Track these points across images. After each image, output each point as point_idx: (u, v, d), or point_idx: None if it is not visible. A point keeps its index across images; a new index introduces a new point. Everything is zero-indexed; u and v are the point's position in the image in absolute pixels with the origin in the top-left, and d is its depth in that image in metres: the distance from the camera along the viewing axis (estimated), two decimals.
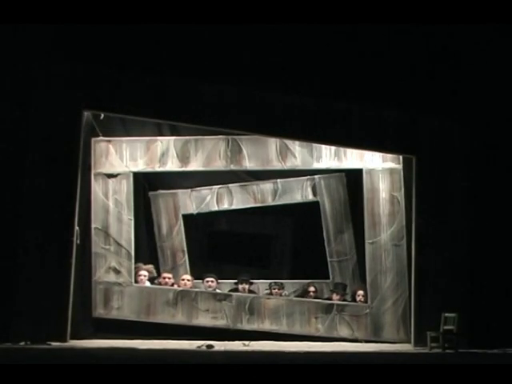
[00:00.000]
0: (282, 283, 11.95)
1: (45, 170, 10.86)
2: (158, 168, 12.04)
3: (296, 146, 11.95)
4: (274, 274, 12.50)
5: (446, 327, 10.69)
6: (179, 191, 12.35)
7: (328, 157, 11.97)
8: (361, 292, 11.78)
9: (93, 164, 11.83)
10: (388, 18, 9.91)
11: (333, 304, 11.70)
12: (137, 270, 11.96)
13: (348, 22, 10.02)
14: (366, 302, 11.76)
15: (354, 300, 11.83)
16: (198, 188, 12.34)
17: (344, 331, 11.69)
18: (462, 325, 10.66)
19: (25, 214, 10.74)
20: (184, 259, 12.24)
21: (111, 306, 11.81)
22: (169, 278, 11.86)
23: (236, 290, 11.88)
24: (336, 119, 11.22)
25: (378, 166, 11.91)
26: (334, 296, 11.84)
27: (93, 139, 11.81)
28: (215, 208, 12.32)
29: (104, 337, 11.49)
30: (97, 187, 11.88)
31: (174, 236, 12.25)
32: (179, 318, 11.74)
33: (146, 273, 11.97)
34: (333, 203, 12.23)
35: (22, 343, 10.37)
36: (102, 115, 11.58)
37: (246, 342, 11.03)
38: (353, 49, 10.75)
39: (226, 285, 12.10)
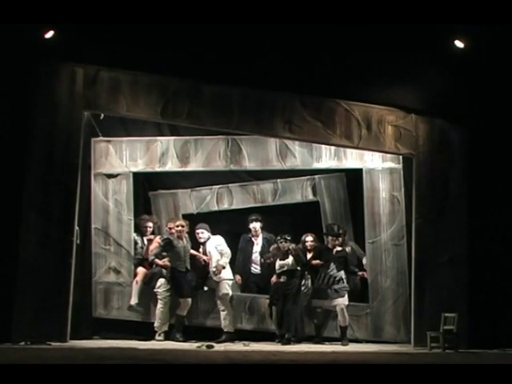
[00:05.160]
0: (289, 236, 11.52)
1: (45, 170, 10.88)
2: (157, 168, 12.04)
3: (296, 146, 11.94)
4: None
5: (445, 327, 10.68)
6: (179, 191, 12.35)
7: (328, 157, 11.96)
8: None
9: (93, 164, 11.84)
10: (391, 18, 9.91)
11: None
12: (143, 221, 11.93)
13: (350, 21, 10.01)
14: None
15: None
16: (198, 188, 12.33)
17: None
18: (461, 325, 10.66)
19: (25, 214, 10.75)
20: None
21: (111, 306, 11.82)
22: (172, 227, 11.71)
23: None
24: (336, 119, 11.21)
25: (377, 166, 11.90)
26: (330, 240, 11.70)
27: (93, 139, 11.81)
28: (215, 208, 12.31)
29: (104, 337, 11.52)
30: (97, 187, 11.88)
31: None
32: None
33: (151, 224, 11.97)
34: (333, 203, 12.22)
35: (22, 343, 10.38)
36: (102, 115, 11.59)
37: (246, 342, 11.03)
38: (353, 48, 10.73)
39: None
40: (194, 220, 12.02)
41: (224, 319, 11.53)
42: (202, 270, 11.87)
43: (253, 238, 12.11)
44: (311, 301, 11.60)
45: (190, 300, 11.60)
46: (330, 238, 11.72)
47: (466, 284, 10.92)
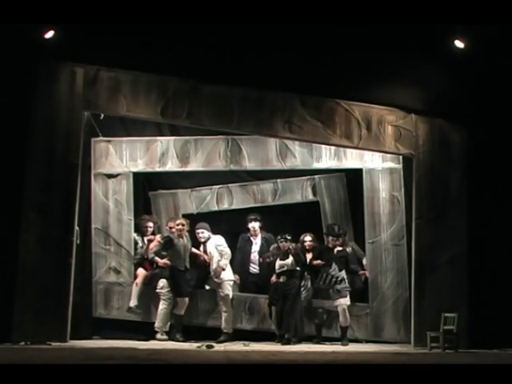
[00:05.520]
0: (289, 235, 11.50)
1: (45, 170, 10.87)
2: (158, 168, 12.04)
3: (296, 146, 11.94)
4: None
5: (445, 327, 10.68)
6: (179, 191, 12.34)
7: (328, 157, 11.96)
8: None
9: (93, 164, 11.84)
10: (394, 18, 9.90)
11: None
12: (143, 221, 11.92)
13: (350, 21, 10.01)
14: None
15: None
16: (198, 188, 12.33)
17: None
18: (461, 325, 10.66)
19: (25, 214, 10.75)
20: None
21: (111, 305, 11.82)
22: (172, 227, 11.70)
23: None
24: (336, 119, 11.21)
25: (377, 166, 11.90)
26: (331, 241, 11.69)
27: (93, 139, 11.81)
28: (215, 208, 12.30)
29: (104, 337, 11.52)
30: (97, 187, 11.88)
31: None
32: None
33: (151, 224, 11.95)
34: (333, 203, 12.21)
35: (22, 343, 10.38)
36: (102, 115, 11.59)
37: (246, 342, 11.03)
38: (352, 48, 10.74)
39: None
40: (194, 220, 12.00)
41: (225, 320, 11.53)
42: (203, 268, 11.86)
43: (251, 238, 12.11)
44: (311, 301, 11.59)
45: (187, 299, 11.59)
46: (330, 238, 11.71)
47: (466, 284, 10.92)
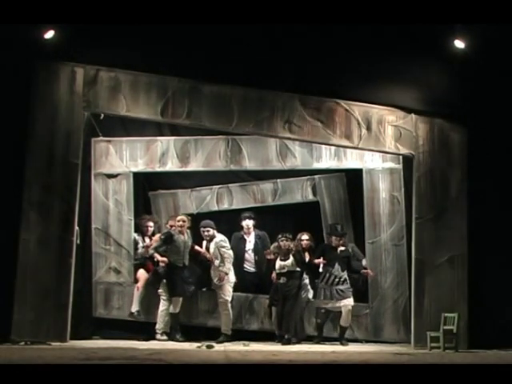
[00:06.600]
0: (290, 234, 11.52)
1: (45, 170, 10.87)
2: (158, 168, 12.04)
3: (296, 146, 11.95)
4: None
5: (445, 327, 10.68)
6: (179, 191, 12.35)
7: (328, 157, 11.97)
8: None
9: (93, 164, 11.85)
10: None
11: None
12: (143, 221, 11.90)
13: (351, 21, 10.01)
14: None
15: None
16: (198, 188, 12.33)
17: None
18: (461, 325, 10.66)
19: (25, 214, 10.75)
20: None
21: (111, 305, 11.82)
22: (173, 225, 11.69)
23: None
24: (336, 119, 11.20)
25: (377, 166, 11.91)
26: (334, 240, 11.67)
27: (93, 139, 11.82)
28: (215, 208, 12.31)
29: (104, 337, 11.52)
30: (97, 187, 11.89)
31: None
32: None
33: (152, 224, 11.93)
34: (333, 203, 12.22)
35: (22, 343, 10.38)
36: (102, 115, 11.59)
37: (246, 342, 11.03)
38: (353, 48, 10.74)
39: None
40: (194, 220, 11.99)
41: (224, 322, 11.52)
42: (204, 266, 11.79)
43: (245, 236, 12.07)
44: (311, 301, 11.59)
45: (180, 298, 11.56)
46: (333, 237, 11.69)
47: (465, 284, 10.92)
